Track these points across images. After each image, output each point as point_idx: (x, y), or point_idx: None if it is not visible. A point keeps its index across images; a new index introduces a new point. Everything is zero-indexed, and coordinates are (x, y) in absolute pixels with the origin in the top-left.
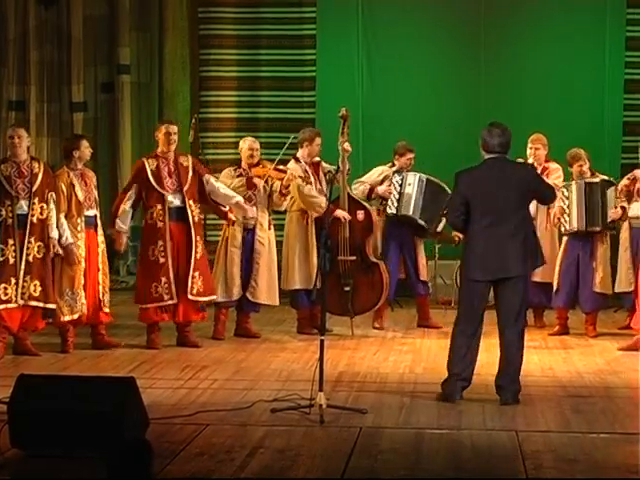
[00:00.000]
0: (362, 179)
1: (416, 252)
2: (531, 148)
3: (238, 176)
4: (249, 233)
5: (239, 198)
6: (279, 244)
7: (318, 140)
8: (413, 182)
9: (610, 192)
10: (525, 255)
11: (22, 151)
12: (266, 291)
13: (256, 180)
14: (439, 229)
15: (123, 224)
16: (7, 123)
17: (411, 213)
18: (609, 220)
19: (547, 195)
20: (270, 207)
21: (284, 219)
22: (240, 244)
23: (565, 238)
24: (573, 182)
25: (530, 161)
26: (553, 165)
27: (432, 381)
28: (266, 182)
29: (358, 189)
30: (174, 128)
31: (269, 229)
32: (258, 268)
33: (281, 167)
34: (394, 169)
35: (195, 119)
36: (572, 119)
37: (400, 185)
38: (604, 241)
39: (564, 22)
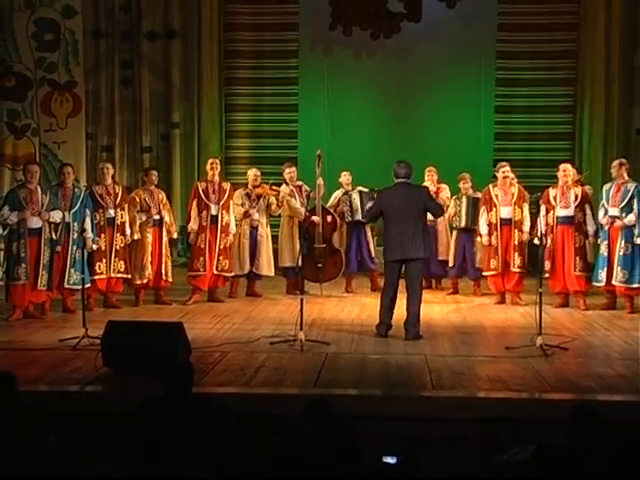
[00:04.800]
0: (328, 205)
1: (367, 240)
2: (427, 175)
3: (246, 194)
4: (254, 230)
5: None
6: (274, 237)
7: (287, 170)
8: (355, 197)
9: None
10: (421, 245)
11: (109, 177)
12: (266, 266)
13: (260, 201)
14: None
15: (194, 225)
16: (100, 159)
17: (360, 218)
18: None
19: (436, 212)
20: (268, 213)
21: (279, 221)
22: (248, 237)
23: (455, 231)
24: (463, 196)
25: (428, 183)
26: (443, 185)
27: (372, 324)
28: (264, 197)
29: (330, 209)
30: (215, 161)
31: (266, 227)
32: (260, 253)
33: (274, 187)
34: (342, 192)
35: (221, 158)
36: (459, 157)
37: (349, 202)
38: (479, 234)
39: (453, 95)
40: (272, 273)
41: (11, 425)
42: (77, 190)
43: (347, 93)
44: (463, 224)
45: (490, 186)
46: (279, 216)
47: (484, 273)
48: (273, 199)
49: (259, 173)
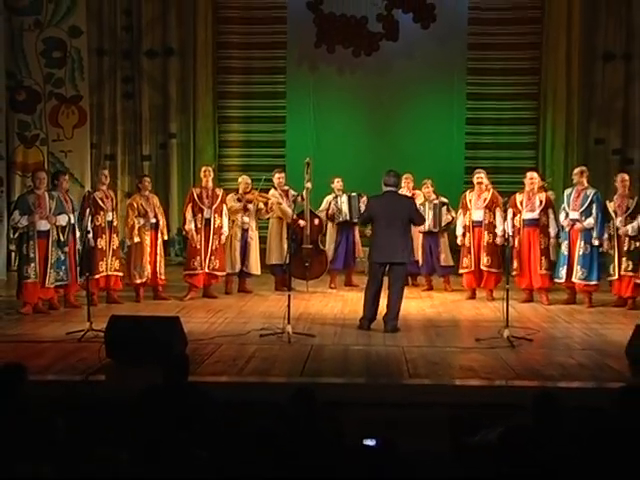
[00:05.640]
0: (320, 209)
1: (354, 240)
2: (404, 182)
3: (237, 199)
4: (245, 232)
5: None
6: (262, 239)
7: (277, 175)
8: (345, 201)
9: (443, 209)
10: (406, 250)
11: (105, 183)
12: (255, 266)
13: (249, 206)
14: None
15: (190, 226)
16: (103, 167)
17: (348, 218)
18: (444, 223)
19: (419, 221)
20: (257, 217)
21: (267, 223)
22: (240, 239)
23: (420, 235)
24: (426, 202)
25: (404, 190)
26: (417, 192)
27: (353, 318)
28: (254, 203)
29: (320, 213)
30: (208, 169)
31: (255, 230)
32: (249, 254)
33: (264, 194)
34: (333, 196)
35: (215, 165)
36: (433, 165)
37: (338, 205)
38: (443, 235)
39: (428, 108)
40: (259, 272)
41: (23, 411)
42: (69, 195)
43: (331, 106)
44: (426, 228)
45: (467, 191)
46: (267, 218)
47: (460, 271)
48: (262, 204)
49: (249, 180)
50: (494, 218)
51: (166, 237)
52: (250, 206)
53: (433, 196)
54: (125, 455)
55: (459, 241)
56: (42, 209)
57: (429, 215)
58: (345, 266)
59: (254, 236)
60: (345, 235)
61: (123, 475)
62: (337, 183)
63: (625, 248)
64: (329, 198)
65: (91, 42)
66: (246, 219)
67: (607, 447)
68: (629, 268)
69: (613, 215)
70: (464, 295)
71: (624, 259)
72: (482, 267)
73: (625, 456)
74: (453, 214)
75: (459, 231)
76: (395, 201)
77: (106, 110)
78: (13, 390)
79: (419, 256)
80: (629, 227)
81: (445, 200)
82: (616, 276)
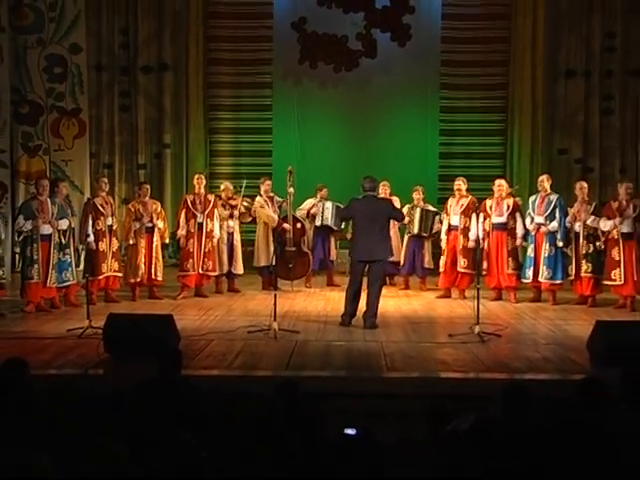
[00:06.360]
0: (301, 207)
1: (329, 244)
2: (382, 188)
3: (222, 205)
4: (230, 235)
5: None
6: (247, 242)
7: (267, 182)
8: (329, 207)
9: (437, 218)
10: (384, 249)
11: (105, 190)
12: (240, 266)
13: (234, 212)
14: (341, 227)
15: (182, 231)
16: (102, 175)
17: (329, 223)
18: (434, 231)
19: (398, 218)
20: (240, 220)
21: (254, 227)
22: (226, 242)
23: (407, 237)
24: (417, 207)
25: (382, 195)
26: (394, 197)
27: (335, 315)
28: (238, 207)
29: (301, 211)
30: (201, 177)
31: (239, 233)
32: (236, 256)
33: (247, 199)
34: (317, 199)
35: (206, 173)
36: (409, 172)
37: (322, 209)
38: (428, 240)
39: (404, 120)
40: (242, 271)
41: (24, 404)
42: (69, 201)
43: (314, 118)
44: (416, 231)
45: (450, 197)
46: (255, 223)
47: (440, 270)
48: (244, 209)
49: (232, 187)
50: (470, 223)
51: (167, 240)
52: (235, 212)
53: (422, 203)
54: (124, 449)
55: (442, 244)
56: (45, 214)
57: (418, 221)
58: (321, 267)
59: (238, 238)
60: (321, 238)
61: (123, 473)
62: (324, 191)
63: (583, 252)
64: (314, 200)
65: (90, 58)
66: (231, 223)
67: (570, 435)
68: (589, 270)
69: (572, 220)
70: (438, 294)
71: (583, 262)
72: (459, 269)
73: (587, 444)
74: (440, 225)
75: (443, 235)
76: (374, 203)
77: (104, 122)
78: (15, 384)
79: (401, 257)
80: (591, 217)
81: (436, 210)
82: (573, 276)
